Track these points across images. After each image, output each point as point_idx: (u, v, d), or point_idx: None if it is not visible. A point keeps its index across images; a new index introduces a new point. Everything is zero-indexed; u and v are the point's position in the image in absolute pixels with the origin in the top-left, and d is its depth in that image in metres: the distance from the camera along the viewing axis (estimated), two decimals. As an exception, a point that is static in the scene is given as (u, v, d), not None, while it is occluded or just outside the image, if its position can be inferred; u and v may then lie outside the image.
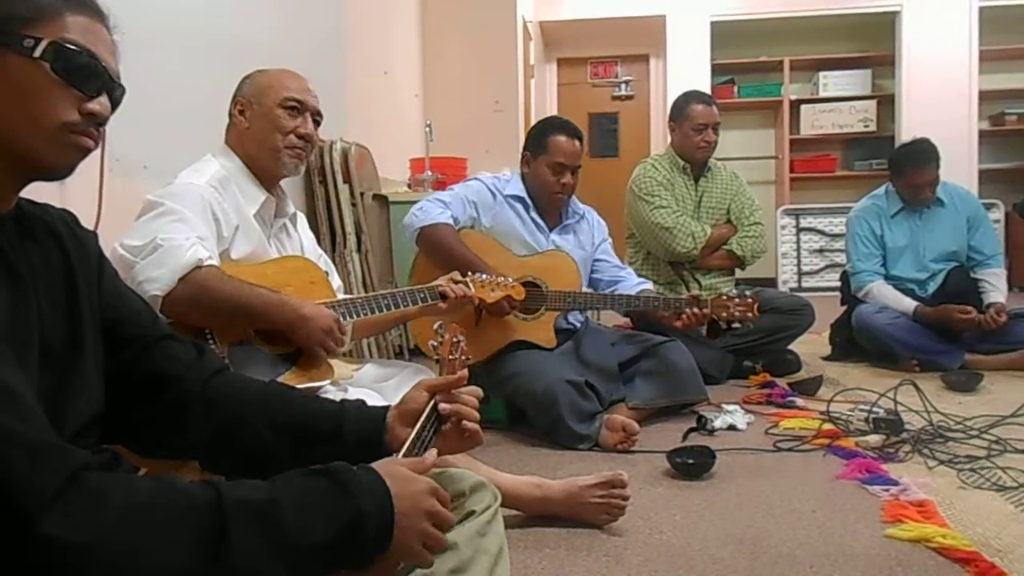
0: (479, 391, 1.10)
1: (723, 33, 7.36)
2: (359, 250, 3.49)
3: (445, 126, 4.85)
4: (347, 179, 3.46)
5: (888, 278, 3.59)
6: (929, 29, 7.02)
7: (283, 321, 1.61)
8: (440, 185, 4.16)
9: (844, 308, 3.78)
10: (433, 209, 2.58)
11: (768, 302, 3.35)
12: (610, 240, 3.00)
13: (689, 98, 3.52)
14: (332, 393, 1.66)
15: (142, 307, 1.05)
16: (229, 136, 1.83)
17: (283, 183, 1.90)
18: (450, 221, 2.58)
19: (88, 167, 1.42)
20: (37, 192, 0.90)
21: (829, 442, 2.32)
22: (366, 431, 1.05)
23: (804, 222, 7.09)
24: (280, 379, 1.60)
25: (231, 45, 2.65)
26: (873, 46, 7.43)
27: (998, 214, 6.61)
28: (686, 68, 7.28)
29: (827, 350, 3.82)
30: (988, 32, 6.94)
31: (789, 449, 2.32)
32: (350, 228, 3.44)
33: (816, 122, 7.49)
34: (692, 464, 2.10)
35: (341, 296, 1.89)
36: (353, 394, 1.65)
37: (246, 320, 1.60)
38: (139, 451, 1.01)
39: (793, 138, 7.51)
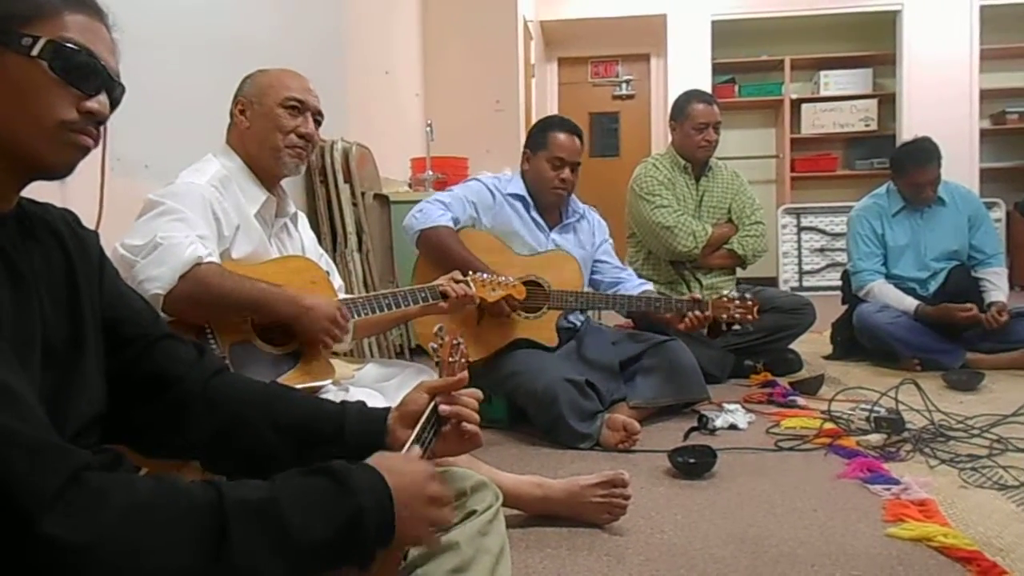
0: (479, 393, 1.10)
1: (724, 32, 7.35)
2: (360, 250, 3.50)
3: (446, 126, 4.86)
4: (348, 179, 3.47)
5: (889, 277, 3.59)
6: (930, 28, 7.01)
7: (285, 312, 1.61)
8: (441, 185, 4.17)
9: (845, 307, 3.78)
10: (433, 211, 2.58)
11: (769, 301, 3.35)
12: (611, 241, 3.00)
13: (690, 97, 3.52)
14: (333, 393, 1.66)
15: (143, 307, 1.05)
16: (230, 136, 1.83)
17: (284, 183, 1.90)
18: (450, 223, 2.58)
19: (89, 167, 1.42)
20: (38, 192, 0.90)
21: (830, 441, 2.32)
22: (367, 433, 1.05)
23: (805, 221, 7.09)
24: (281, 379, 1.61)
25: (232, 45, 2.65)
26: (874, 45, 7.42)
27: (999, 213, 6.61)
28: (687, 67, 7.28)
29: (828, 349, 3.82)
30: (989, 31, 6.94)
31: (790, 448, 2.32)
32: (351, 228, 3.44)
33: (817, 121, 7.49)
34: (693, 463, 2.10)
35: (342, 296, 1.89)
36: (354, 394, 1.65)
37: (248, 314, 1.60)
38: (140, 451, 1.01)
39: (794, 137, 7.51)
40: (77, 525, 0.65)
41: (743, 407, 2.72)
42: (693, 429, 2.49)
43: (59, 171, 0.85)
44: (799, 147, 7.57)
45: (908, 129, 6.67)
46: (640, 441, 2.33)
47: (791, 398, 2.91)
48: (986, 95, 7.03)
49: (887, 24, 7.25)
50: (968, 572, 1.49)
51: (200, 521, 0.71)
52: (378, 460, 0.87)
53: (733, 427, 2.54)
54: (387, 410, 1.08)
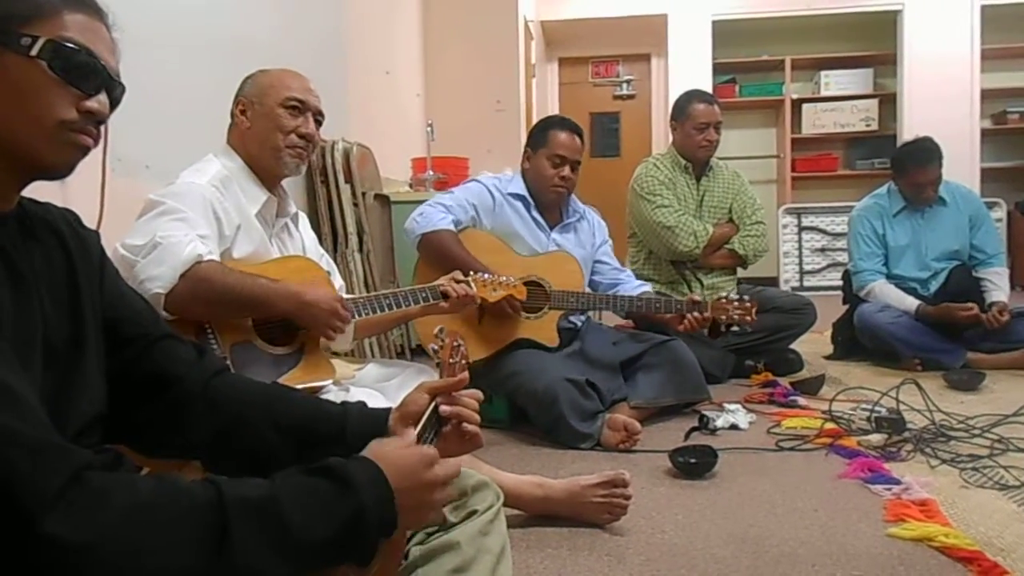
0: (479, 394, 1.10)
1: (724, 32, 7.35)
2: (361, 250, 3.50)
3: (447, 126, 4.86)
4: (349, 179, 3.47)
5: (890, 277, 3.59)
6: (931, 28, 7.01)
7: (286, 307, 1.61)
8: (442, 185, 4.17)
9: (846, 307, 3.78)
10: (435, 215, 2.58)
11: (770, 301, 3.36)
12: (610, 242, 3.00)
13: (691, 97, 3.52)
14: (334, 393, 1.66)
15: (143, 307, 1.05)
16: (231, 136, 1.83)
17: (285, 183, 1.90)
18: (451, 226, 2.58)
19: (90, 167, 1.42)
20: (39, 192, 0.90)
21: (831, 441, 2.32)
22: (369, 434, 1.05)
23: (806, 221, 7.09)
24: (282, 379, 1.61)
25: (233, 45, 2.65)
26: (875, 45, 7.42)
27: (1000, 213, 6.61)
28: (687, 67, 7.28)
29: (829, 349, 3.82)
30: (990, 30, 6.93)
31: (791, 448, 2.32)
32: (352, 228, 3.44)
33: (818, 121, 7.49)
34: (694, 463, 2.10)
35: (343, 296, 1.89)
36: (355, 394, 1.65)
37: (249, 310, 1.61)
38: (141, 451, 1.01)
39: (795, 137, 7.51)
40: (79, 525, 0.65)
41: (744, 407, 2.72)
42: (694, 429, 2.49)
43: (59, 171, 0.85)
44: (800, 147, 7.57)
45: (909, 129, 6.67)
46: (641, 441, 2.33)
47: (792, 398, 2.91)
48: (987, 95, 7.02)
49: (888, 24, 7.25)
50: (969, 572, 1.49)
51: (201, 520, 0.71)
52: (376, 450, 0.87)
53: (734, 427, 2.54)
54: (388, 410, 1.08)
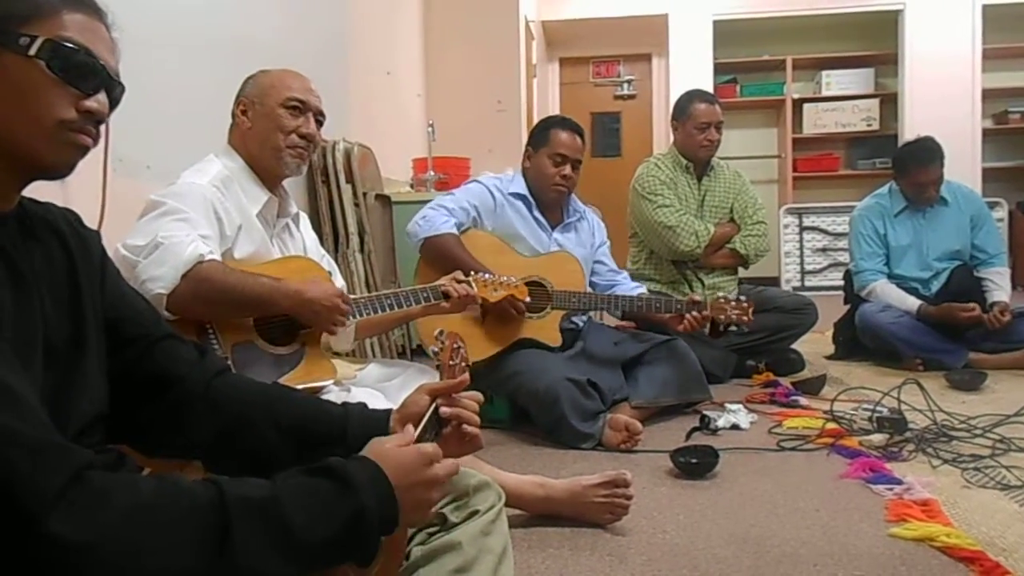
0: (479, 396, 1.10)
1: (725, 32, 7.35)
2: (362, 250, 3.50)
3: (448, 126, 4.86)
4: (350, 179, 3.47)
5: (891, 277, 3.59)
6: (932, 27, 7.00)
7: (288, 306, 1.62)
8: (443, 185, 4.17)
9: (847, 307, 3.77)
10: (437, 218, 2.58)
11: (771, 301, 3.36)
12: (608, 243, 3.01)
13: (692, 97, 3.52)
14: (335, 393, 1.66)
15: (144, 307, 1.05)
16: (232, 136, 1.83)
17: (286, 183, 1.90)
18: (454, 230, 2.58)
19: (91, 167, 1.42)
20: (40, 193, 0.90)
21: (833, 441, 2.32)
22: (370, 435, 1.05)
23: (807, 221, 7.08)
24: (283, 379, 1.61)
25: (234, 45, 2.65)
26: (876, 45, 7.42)
27: (1002, 213, 6.61)
28: (688, 67, 7.28)
29: (830, 349, 3.82)
30: (991, 30, 6.93)
31: (793, 448, 2.31)
32: (353, 228, 3.44)
33: (819, 121, 7.48)
34: (695, 463, 2.10)
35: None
36: (356, 394, 1.66)
37: (251, 309, 1.61)
38: (143, 451, 1.01)
39: (796, 137, 7.50)
40: (80, 524, 0.65)
41: (745, 407, 2.72)
42: (695, 429, 2.49)
43: (58, 170, 0.85)
44: (801, 147, 7.57)
45: (910, 129, 6.66)
46: (642, 441, 2.33)
47: (793, 398, 2.91)
48: (988, 94, 7.02)
49: (889, 24, 7.25)
50: (971, 572, 1.49)
51: (203, 520, 0.71)
52: (376, 449, 0.87)
53: (735, 427, 2.54)
54: (388, 412, 1.08)
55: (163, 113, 2.18)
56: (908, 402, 2.42)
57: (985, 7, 6.89)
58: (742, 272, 3.64)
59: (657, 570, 1.54)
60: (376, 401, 1.58)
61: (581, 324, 2.85)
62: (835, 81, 7.45)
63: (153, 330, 1.01)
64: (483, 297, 2.23)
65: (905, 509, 1.77)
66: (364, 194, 3.54)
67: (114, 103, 0.89)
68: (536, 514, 1.76)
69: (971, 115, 6.95)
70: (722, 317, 2.67)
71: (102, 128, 0.88)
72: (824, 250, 7.04)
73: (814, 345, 3.81)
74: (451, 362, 1.13)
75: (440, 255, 2.54)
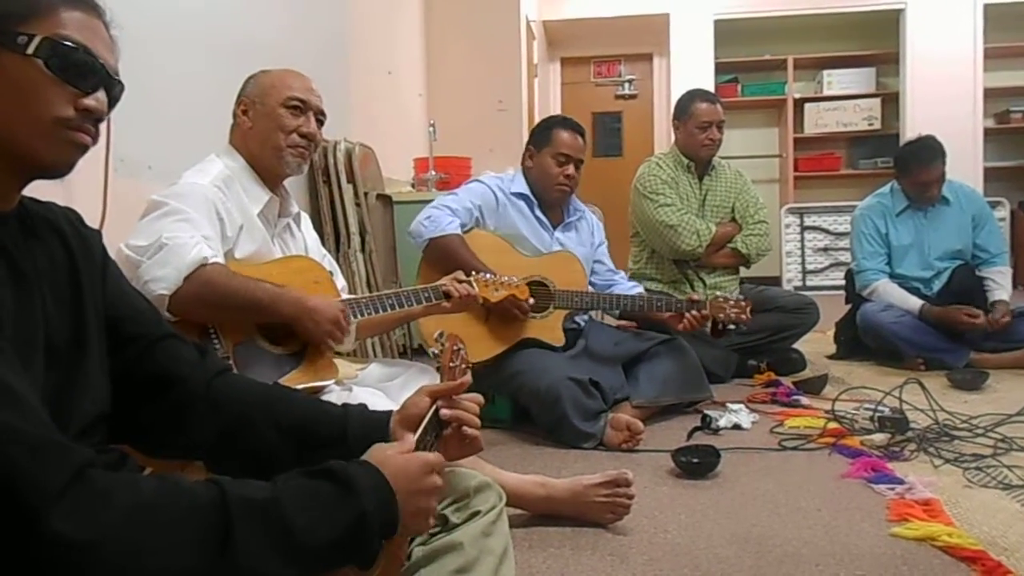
0: (480, 397, 1.10)
1: (727, 32, 7.35)
2: (363, 250, 3.49)
3: (449, 126, 4.86)
4: (351, 179, 3.47)
5: (893, 276, 3.58)
6: (933, 26, 7.00)
7: (289, 313, 1.61)
8: (444, 185, 4.17)
9: (849, 307, 3.77)
10: (443, 218, 2.58)
11: (772, 301, 3.36)
12: (606, 243, 3.01)
13: (693, 96, 3.52)
14: (336, 393, 1.66)
15: (145, 307, 1.05)
16: (233, 136, 1.83)
17: (287, 183, 1.90)
18: (459, 230, 2.58)
19: (92, 167, 1.42)
20: (42, 192, 0.90)
21: (834, 441, 2.32)
22: (370, 436, 1.05)
23: (808, 220, 7.08)
24: (284, 379, 1.61)
25: (235, 46, 2.65)
26: (877, 44, 7.41)
27: (1003, 212, 6.60)
28: (690, 67, 7.27)
29: (832, 349, 3.82)
30: (993, 29, 6.92)
31: (794, 448, 2.31)
32: (354, 228, 3.44)
33: (820, 120, 7.48)
34: (697, 463, 2.10)
35: (345, 296, 1.89)
36: (357, 394, 1.66)
37: (253, 315, 1.61)
38: (144, 451, 1.01)
39: (797, 136, 7.50)
40: (82, 523, 0.65)
41: (747, 407, 2.72)
42: (697, 429, 2.49)
43: (58, 169, 0.85)
44: (802, 146, 7.56)
45: (912, 128, 6.66)
46: (643, 441, 2.33)
47: (795, 398, 2.91)
48: (990, 94, 7.01)
49: (890, 23, 7.24)
50: (973, 572, 1.49)
51: (204, 520, 0.71)
52: (378, 455, 0.87)
53: (737, 427, 2.54)
54: (389, 413, 1.08)
55: (164, 113, 2.18)
56: (910, 402, 2.42)
57: (986, 6, 6.88)
58: (743, 272, 3.64)
59: (659, 570, 1.54)
60: (378, 401, 1.59)
61: (582, 323, 2.85)
62: (836, 80, 7.45)
63: (154, 330, 1.01)
64: (484, 297, 2.23)
65: (907, 509, 1.77)
66: (365, 194, 3.54)
67: (113, 101, 0.89)
68: (537, 514, 1.76)
69: (972, 114, 6.94)
70: (721, 316, 2.68)
71: (102, 127, 0.88)
72: (825, 250, 7.03)
73: (815, 345, 3.81)
74: (451, 364, 1.13)
75: (444, 255, 2.54)
